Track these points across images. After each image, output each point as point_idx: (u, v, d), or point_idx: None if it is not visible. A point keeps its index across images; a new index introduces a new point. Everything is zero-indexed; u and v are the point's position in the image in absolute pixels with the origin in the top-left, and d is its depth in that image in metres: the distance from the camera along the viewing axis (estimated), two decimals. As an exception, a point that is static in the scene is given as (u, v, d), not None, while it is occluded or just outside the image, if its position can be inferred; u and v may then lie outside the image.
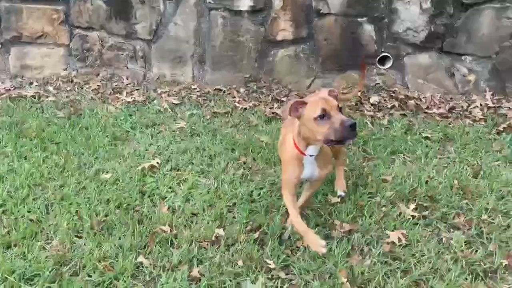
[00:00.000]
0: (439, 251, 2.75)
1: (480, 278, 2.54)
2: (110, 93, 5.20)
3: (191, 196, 3.27)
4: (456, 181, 3.45)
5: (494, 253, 2.72)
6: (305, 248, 2.74)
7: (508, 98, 5.02)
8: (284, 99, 5.00)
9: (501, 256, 2.69)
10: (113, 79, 5.53)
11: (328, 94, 2.43)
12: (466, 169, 3.68)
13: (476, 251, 2.75)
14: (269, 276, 2.54)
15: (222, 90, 5.22)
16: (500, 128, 4.41)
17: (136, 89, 5.28)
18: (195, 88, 5.25)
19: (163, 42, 5.36)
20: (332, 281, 2.48)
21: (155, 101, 4.96)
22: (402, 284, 2.47)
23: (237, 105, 4.87)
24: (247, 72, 5.25)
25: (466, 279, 2.52)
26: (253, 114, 4.71)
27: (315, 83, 5.19)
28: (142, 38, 5.39)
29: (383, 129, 4.36)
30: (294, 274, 2.57)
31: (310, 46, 5.11)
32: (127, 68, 5.56)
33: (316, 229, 2.88)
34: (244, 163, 3.72)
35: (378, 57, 5.07)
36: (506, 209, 3.13)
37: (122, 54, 5.51)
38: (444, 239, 2.88)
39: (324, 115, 2.21)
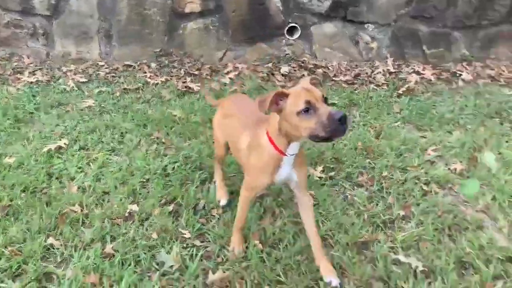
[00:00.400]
0: (344, 208, 2.93)
1: (380, 229, 2.76)
2: (10, 73, 4.87)
3: (102, 175, 3.20)
4: (360, 143, 3.67)
5: (392, 206, 2.96)
6: (219, 215, 2.81)
7: (407, 63, 5.38)
8: (196, 72, 4.97)
9: (399, 208, 2.93)
10: (13, 59, 5.17)
11: (310, 82, 2.09)
12: (369, 131, 3.92)
13: (377, 204, 2.98)
14: (184, 245, 2.58)
15: (132, 65, 5.08)
16: (400, 92, 4.72)
17: (39, 69, 4.99)
18: (103, 65, 5.07)
19: (65, 17, 5.08)
20: (246, 243, 2.57)
21: (60, 80, 4.73)
22: (311, 241, 2.62)
23: (149, 80, 4.78)
24: (157, 46, 5.15)
25: (368, 230, 2.73)
26: (165, 88, 4.65)
27: (227, 56, 5.21)
28: (41, 14, 5.07)
29: (293, 97, 4.48)
30: (209, 241, 2.63)
31: (219, 19, 5.10)
32: (27, 46, 5.22)
33: (230, 197, 2.96)
34: (157, 138, 3.69)
35: (287, 28, 5.18)
36: (404, 165, 3.39)
37: (21, 32, 5.15)
38: (349, 196, 3.08)
39: (308, 109, 1.88)
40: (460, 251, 2.57)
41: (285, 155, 2.15)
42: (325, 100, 1.95)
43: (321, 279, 2.34)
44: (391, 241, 2.66)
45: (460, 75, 5.17)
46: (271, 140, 2.15)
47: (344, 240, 2.63)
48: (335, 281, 2.31)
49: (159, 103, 4.35)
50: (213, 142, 2.97)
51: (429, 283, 2.36)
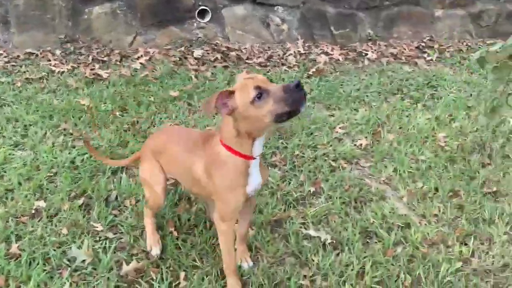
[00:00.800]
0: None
1: (292, 206, 2.87)
2: None
3: (4, 172, 3.01)
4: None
5: (304, 183, 3.09)
6: (133, 206, 2.77)
7: (316, 44, 5.55)
8: (105, 59, 4.79)
9: (309, 184, 3.06)
10: None
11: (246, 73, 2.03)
12: (282, 112, 4.02)
13: (289, 183, 3.08)
14: (97, 239, 2.52)
15: (34, 53, 4.78)
16: (310, 72, 4.88)
17: None
18: (1, 54, 4.71)
19: (-46, 2, 4.65)
20: (161, 232, 2.56)
21: (-50, 72, 4.34)
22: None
23: (53, 68, 4.53)
24: (61, 32, 4.87)
25: (281, 209, 2.83)
26: (72, 77, 4.43)
27: (137, 40, 5.06)
28: None
29: (207, 81, 4.48)
30: (122, 232, 2.58)
31: (127, 2, 4.93)
32: None
33: (143, 185, 2.92)
34: (65, 129, 3.52)
35: (197, 11, 5.12)
36: (314, 144, 3.54)
37: None
38: (262, 177, 3.15)
39: (261, 93, 1.73)
40: (365, 222, 2.75)
41: (253, 158, 1.94)
42: (270, 80, 1.88)
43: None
44: (302, 217, 2.78)
45: (366, 54, 5.45)
46: (230, 149, 1.92)
47: (258, 220, 2.70)
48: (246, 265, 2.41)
49: (65, 92, 4.14)
50: (144, 196, 2.54)
51: (337, 254, 2.51)
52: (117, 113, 3.73)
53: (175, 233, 2.55)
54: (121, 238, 2.55)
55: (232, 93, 1.81)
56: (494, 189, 3.13)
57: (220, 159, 1.96)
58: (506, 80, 1.63)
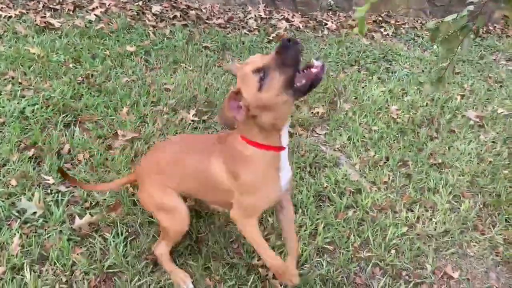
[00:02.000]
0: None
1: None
2: None
3: None
4: (232, 87, 3.74)
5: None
6: (87, 160, 2.69)
7: (277, 10, 5.51)
8: (57, 7, 4.51)
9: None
10: None
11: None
12: (241, 75, 3.99)
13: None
14: (48, 192, 2.44)
15: (-23, -5, 4.42)
16: (271, 37, 4.85)
17: None
18: None
19: None
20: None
21: None
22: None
23: (0, 13, 4.22)
24: (9, -26, 4.52)
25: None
26: (20, 23, 4.15)
27: (93, -10, 4.79)
28: None
29: (165, 39, 4.35)
30: (75, 186, 2.51)
31: None
32: None
33: (98, 141, 2.84)
34: (13, 78, 3.33)
35: (158, -36, 4.91)
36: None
37: None
38: (220, 138, 3.15)
39: (262, 74, 1.57)
40: (319, 186, 2.83)
41: (283, 148, 1.77)
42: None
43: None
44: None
45: (326, 24, 5.47)
46: (257, 144, 1.74)
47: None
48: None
49: (13, 39, 3.89)
50: (160, 226, 2.13)
51: (292, 216, 2.57)
52: (70, 65, 3.56)
53: (131, 190, 2.52)
54: (74, 192, 2.49)
55: (238, 92, 1.64)
56: (440, 161, 3.30)
57: (245, 157, 1.77)
58: (455, 52, 1.71)
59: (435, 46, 5.52)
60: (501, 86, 4.85)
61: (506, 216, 2.86)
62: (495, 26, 6.83)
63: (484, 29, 6.54)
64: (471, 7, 1.78)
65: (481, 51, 5.84)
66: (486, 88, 4.70)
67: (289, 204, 2.08)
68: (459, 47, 1.82)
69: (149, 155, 2.20)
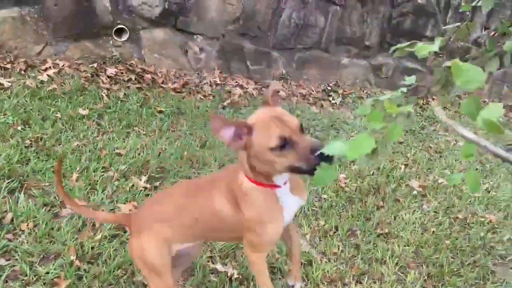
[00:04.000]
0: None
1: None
2: None
3: None
4: (186, 152, 3.76)
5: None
6: (31, 229, 2.58)
7: (232, 77, 5.68)
8: (8, 66, 4.45)
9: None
10: None
11: (272, 95, 1.80)
12: (195, 141, 4.04)
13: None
14: (-14, 266, 2.30)
15: None
16: (225, 103, 4.97)
17: None
18: None
19: None
20: (60, 260, 2.41)
21: None
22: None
23: None
24: (-41, 31, 4.45)
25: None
26: (-33, 81, 4.05)
27: (46, 51, 4.78)
28: None
29: (119, 102, 4.36)
30: (17, 259, 2.38)
31: (38, 10, 4.65)
32: None
33: (44, 208, 2.74)
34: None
35: (115, 29, 4.99)
36: (225, 176, 3.59)
37: None
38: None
39: (283, 145, 1.57)
40: (270, 258, 2.83)
41: (278, 186, 1.78)
42: (301, 128, 1.64)
43: (141, 293, 2.34)
44: (210, 250, 2.79)
45: (278, 92, 5.68)
46: (253, 180, 1.75)
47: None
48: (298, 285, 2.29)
49: (-42, 98, 3.78)
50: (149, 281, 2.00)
51: (243, 289, 2.55)
52: (19, 127, 3.47)
53: (77, 262, 2.42)
54: (15, 265, 2.36)
55: (249, 128, 1.62)
56: (386, 230, 3.40)
57: (244, 191, 1.77)
58: (381, 127, 1.83)
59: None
60: (440, 156, 5.15)
61: (449, 287, 2.96)
62: (433, 98, 7.34)
63: (424, 101, 7.00)
64: (404, 89, 1.94)
65: (422, 121, 6.23)
66: (428, 158, 4.97)
67: (293, 230, 2.11)
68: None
69: (149, 205, 2.09)
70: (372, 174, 4.23)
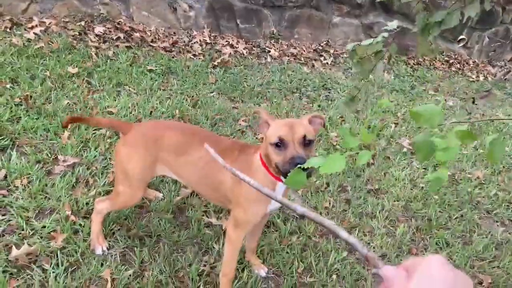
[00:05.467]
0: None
1: (195, 195, 2.91)
2: None
3: None
4: (177, 111, 3.74)
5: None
6: (25, 186, 2.58)
7: (222, 36, 5.60)
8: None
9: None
10: None
11: (310, 118, 1.97)
12: (186, 100, 4.02)
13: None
14: (-18, 221, 2.31)
15: None
16: (215, 63, 4.92)
17: None
18: None
19: None
20: (55, 215, 2.43)
21: None
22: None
23: None
24: None
25: (183, 197, 2.85)
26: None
27: (32, 8, 4.65)
28: None
29: (108, 61, 4.29)
30: (12, 214, 2.40)
31: (23, -35, 4.49)
32: None
33: (37, 165, 2.74)
34: None
35: (102, -15, 4.86)
36: (218, 134, 3.59)
37: None
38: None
39: (280, 144, 1.82)
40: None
41: (281, 180, 1.95)
42: (307, 142, 1.83)
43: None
44: (204, 205, 2.83)
45: (269, 51, 5.63)
46: (265, 164, 1.96)
47: (160, 207, 2.70)
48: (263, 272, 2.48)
49: None
50: (114, 189, 2.24)
51: (237, 242, 2.60)
52: (7, 85, 3.42)
53: (73, 217, 2.44)
54: (11, 220, 2.37)
55: (269, 124, 1.92)
56: (376, 186, 3.47)
57: (252, 168, 1.99)
58: (367, 74, 1.88)
59: (371, 76, 5.82)
60: (430, 115, 5.19)
61: (437, 239, 3.05)
62: (425, 59, 7.33)
63: (415, 61, 6.99)
64: (385, 34, 1.93)
65: (412, 81, 6.24)
66: (417, 117, 5.00)
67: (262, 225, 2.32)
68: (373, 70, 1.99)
69: (155, 125, 2.32)
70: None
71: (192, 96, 4.11)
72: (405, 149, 4.14)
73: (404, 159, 3.98)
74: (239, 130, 3.75)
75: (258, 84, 4.70)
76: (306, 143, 1.82)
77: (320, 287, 2.49)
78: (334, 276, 2.57)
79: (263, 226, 2.39)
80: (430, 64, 7.17)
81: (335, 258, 2.67)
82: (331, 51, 6.29)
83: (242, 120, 3.88)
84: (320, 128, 2.00)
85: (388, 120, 4.68)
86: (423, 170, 3.87)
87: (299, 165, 1.42)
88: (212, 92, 4.30)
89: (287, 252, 2.63)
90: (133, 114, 3.52)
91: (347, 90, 5.25)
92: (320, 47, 6.28)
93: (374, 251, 2.83)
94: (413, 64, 6.89)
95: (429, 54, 1.98)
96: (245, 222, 2.07)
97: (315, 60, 5.91)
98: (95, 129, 3.23)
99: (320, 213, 3.03)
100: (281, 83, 4.88)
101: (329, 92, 5.11)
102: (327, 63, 5.97)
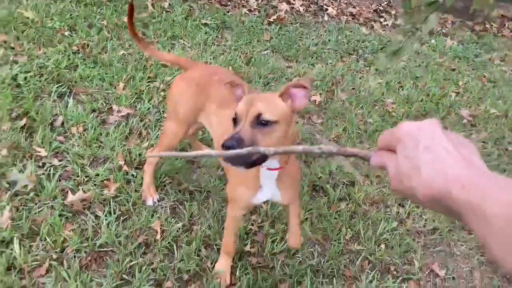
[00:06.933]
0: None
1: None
2: None
3: None
4: (230, 67, 3.68)
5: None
6: (80, 134, 2.64)
7: (279, -9, 5.41)
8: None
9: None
10: None
11: (290, 91, 1.53)
12: (240, 57, 3.94)
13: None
14: (40, 164, 2.39)
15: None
16: (271, 19, 4.77)
17: None
18: None
19: None
20: (109, 164, 2.47)
21: None
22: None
23: (-7, -28, 4.05)
24: None
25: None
26: (14, -16, 4.00)
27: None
28: None
29: (164, 12, 4.24)
30: (68, 160, 2.46)
31: None
32: None
33: (92, 114, 2.78)
34: (5, 42, 3.22)
35: None
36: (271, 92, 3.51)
37: None
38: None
39: (235, 119, 1.51)
40: (313, 176, 2.83)
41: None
42: (262, 121, 1.45)
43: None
44: (254, 165, 2.79)
45: (327, 9, 5.40)
46: None
47: (210, 164, 2.69)
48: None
49: (6, 1, 3.75)
50: (163, 128, 2.30)
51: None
52: (66, 33, 3.45)
53: (125, 167, 2.48)
54: (67, 166, 2.44)
55: (242, 94, 1.62)
56: (432, 158, 3.31)
57: None
58: (414, 26, 1.72)
59: (433, 40, 5.51)
60: (494, 86, 4.88)
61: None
62: (492, 25, 6.84)
63: (481, 27, 6.54)
64: None
65: (477, 49, 5.85)
66: (480, 87, 4.72)
67: (291, 214, 2.05)
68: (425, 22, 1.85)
69: (212, 70, 2.30)
70: (421, 101, 4.06)
71: (246, 53, 4.02)
72: (464, 121, 3.93)
73: (463, 131, 3.78)
74: (292, 90, 3.64)
75: (313, 43, 4.53)
76: (262, 123, 1.45)
77: (367, 255, 2.43)
78: (383, 246, 2.51)
79: (294, 212, 2.06)
80: (498, 32, 6.69)
81: (384, 228, 2.59)
82: (392, 12, 5.97)
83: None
84: (307, 103, 1.56)
85: (449, 89, 4.42)
86: (483, 143, 3.66)
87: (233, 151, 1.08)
88: (266, 50, 4.19)
89: (335, 218, 2.58)
90: (187, 68, 3.49)
91: (408, 55, 5.00)
92: (381, 8, 5.97)
93: (425, 224, 2.73)
94: (479, 30, 6.44)
95: (485, 6, 1.81)
96: (233, 200, 1.93)
97: (374, 21, 5.63)
98: (149, 81, 3.23)
99: (371, 182, 2.94)
100: (338, 44, 4.69)
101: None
102: (387, 24, 5.67)
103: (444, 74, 4.71)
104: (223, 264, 2.11)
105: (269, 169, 1.68)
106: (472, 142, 0.65)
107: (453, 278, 2.49)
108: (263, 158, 1.45)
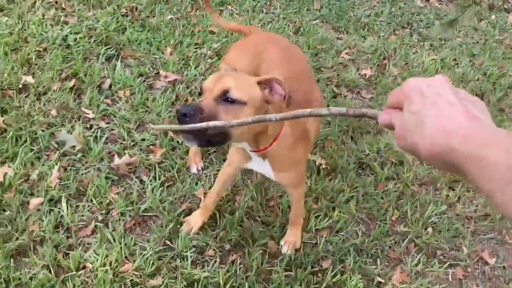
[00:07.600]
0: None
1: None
2: None
3: (-11, 37, 2.77)
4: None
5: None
6: (127, 97, 2.63)
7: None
8: None
9: (310, 106, 2.98)
10: None
11: (271, 83, 1.42)
12: (288, 25, 3.82)
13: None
14: (88, 126, 2.40)
15: None
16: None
17: None
18: None
19: None
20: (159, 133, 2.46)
21: None
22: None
23: None
24: None
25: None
26: None
27: None
28: None
29: (213, -23, 4.15)
30: (115, 123, 2.46)
31: None
32: None
33: (139, 78, 2.76)
34: (56, 2, 3.23)
35: None
36: (318, 65, 3.40)
37: None
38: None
39: (200, 93, 1.44)
40: (360, 153, 2.73)
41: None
42: (226, 96, 1.35)
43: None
44: (299, 138, 2.72)
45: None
46: None
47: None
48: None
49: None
50: None
51: (330, 180, 2.50)
52: (115, -6, 3.43)
53: (171, 134, 2.46)
54: (113, 129, 2.45)
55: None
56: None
57: None
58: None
59: (493, 16, 5.18)
60: (559, 68, 4.56)
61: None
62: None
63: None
64: None
65: (541, 26, 5.47)
66: (543, 68, 4.42)
67: (291, 191, 2.02)
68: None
69: (269, 38, 2.31)
70: (477, 80, 3.84)
71: (295, 22, 3.89)
72: (524, 103, 3.70)
73: (522, 114, 3.56)
74: (341, 63, 3.52)
75: (365, 15, 4.34)
76: (228, 100, 1.34)
77: (413, 238, 2.35)
78: (430, 229, 2.42)
79: (294, 201, 2.08)
80: None
81: (432, 211, 2.49)
82: (450, -16, 5.63)
83: (346, 53, 3.63)
84: (282, 100, 1.41)
85: (508, 69, 4.16)
86: (543, 129, 3.44)
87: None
88: (315, 20, 4.04)
89: (382, 198, 2.50)
90: (234, 36, 3.41)
91: (464, 30, 4.73)
92: (438, -21, 5.64)
93: (476, 209, 2.60)
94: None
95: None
96: (229, 156, 1.98)
97: (430, -7, 5.33)
98: (196, 47, 3.18)
99: (421, 162, 2.82)
100: (391, 16, 4.47)
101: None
102: (444, -2, 5.36)
103: (503, 52, 4.43)
104: (194, 215, 2.10)
105: (250, 151, 1.64)
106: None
107: (504, 267, 2.38)
108: (222, 138, 1.39)
